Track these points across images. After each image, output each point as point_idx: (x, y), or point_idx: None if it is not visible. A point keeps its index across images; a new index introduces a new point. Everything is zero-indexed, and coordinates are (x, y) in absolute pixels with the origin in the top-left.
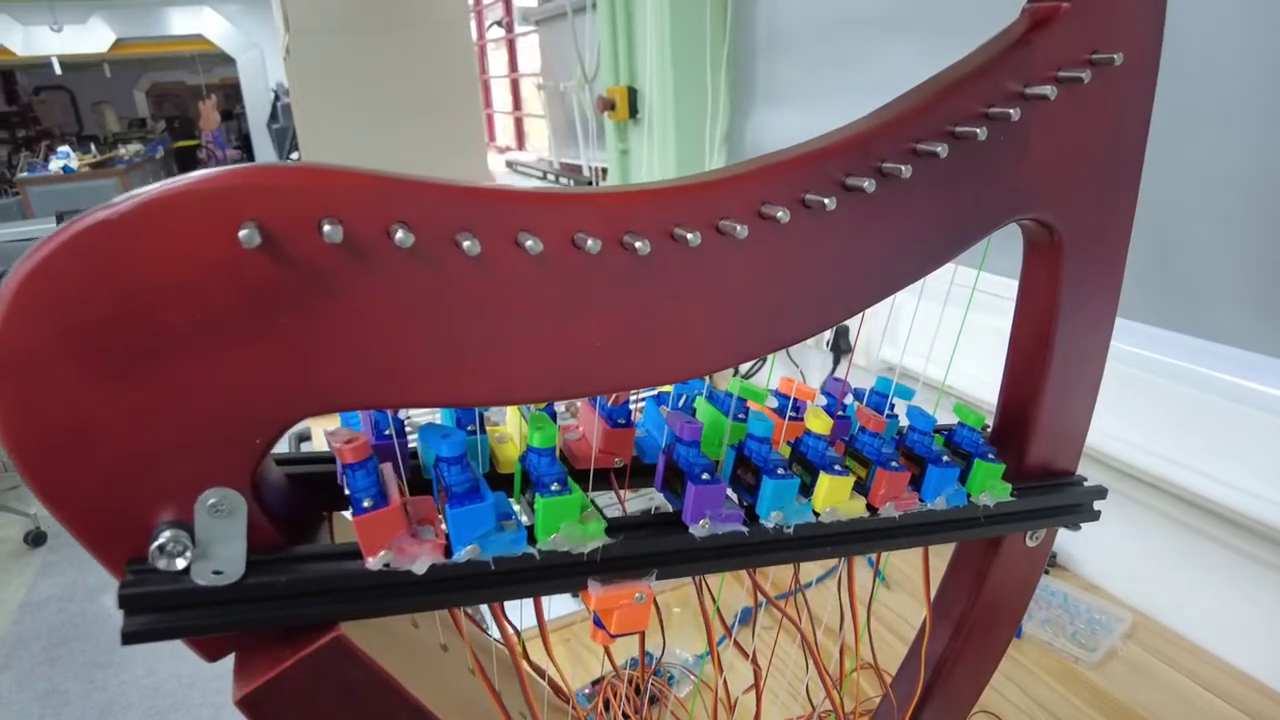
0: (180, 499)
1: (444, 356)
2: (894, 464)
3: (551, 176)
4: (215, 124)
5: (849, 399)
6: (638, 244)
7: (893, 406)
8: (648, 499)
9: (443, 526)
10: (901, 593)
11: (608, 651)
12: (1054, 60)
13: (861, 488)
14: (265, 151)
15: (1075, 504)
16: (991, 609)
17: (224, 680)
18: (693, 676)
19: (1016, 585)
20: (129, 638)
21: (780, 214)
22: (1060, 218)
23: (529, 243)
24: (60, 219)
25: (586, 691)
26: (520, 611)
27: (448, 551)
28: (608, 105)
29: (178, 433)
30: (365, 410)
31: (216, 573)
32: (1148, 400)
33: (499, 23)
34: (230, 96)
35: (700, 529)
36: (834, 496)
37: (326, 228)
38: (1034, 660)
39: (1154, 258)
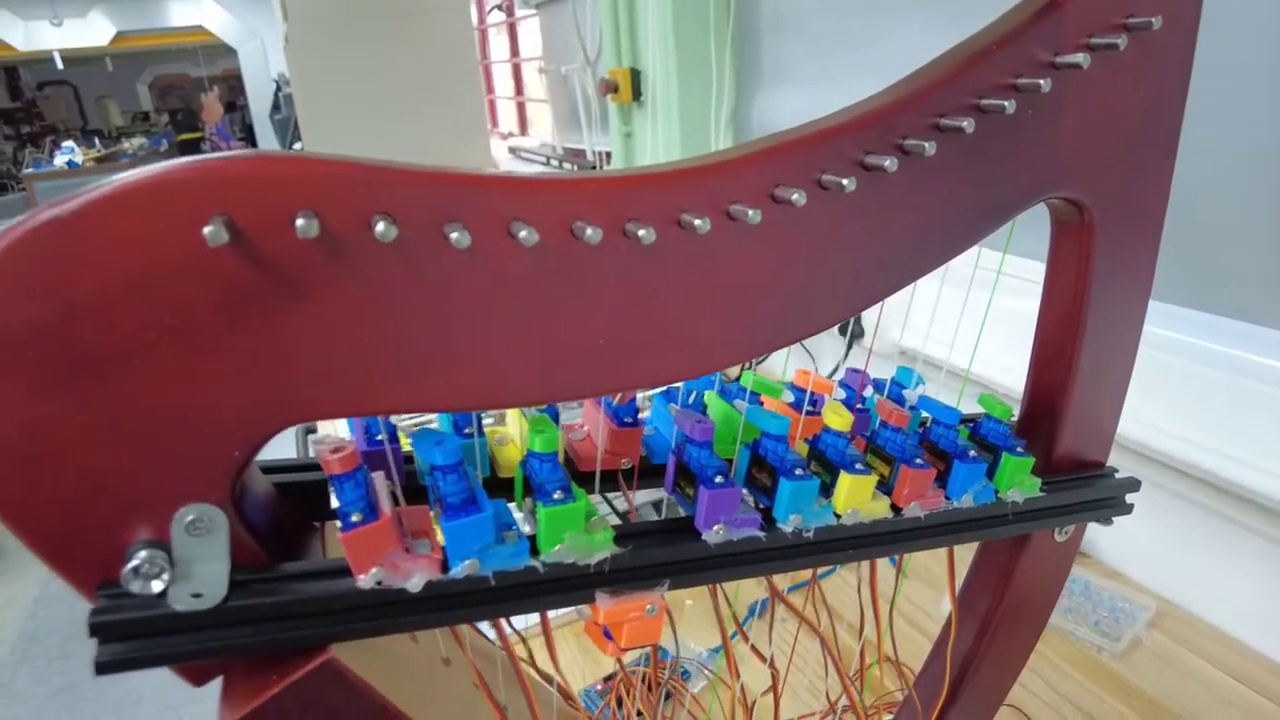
0: (154, 517)
1: (433, 358)
2: (918, 461)
3: (555, 162)
4: (219, 116)
5: (869, 391)
6: (641, 232)
7: (902, 399)
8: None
9: (439, 540)
10: (918, 582)
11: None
12: (1086, 26)
13: (884, 486)
14: (269, 142)
15: (1106, 497)
16: (1019, 606)
17: None
18: (707, 672)
19: (1045, 582)
20: (103, 668)
21: (795, 196)
22: (1092, 195)
23: (523, 233)
24: None
25: (599, 688)
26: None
27: (444, 567)
28: (610, 88)
29: (145, 447)
30: (350, 418)
31: (196, 595)
32: (1168, 381)
33: (499, 6)
34: (233, 88)
35: (714, 535)
36: (856, 497)
37: (300, 221)
38: (1055, 650)
39: (1173, 233)
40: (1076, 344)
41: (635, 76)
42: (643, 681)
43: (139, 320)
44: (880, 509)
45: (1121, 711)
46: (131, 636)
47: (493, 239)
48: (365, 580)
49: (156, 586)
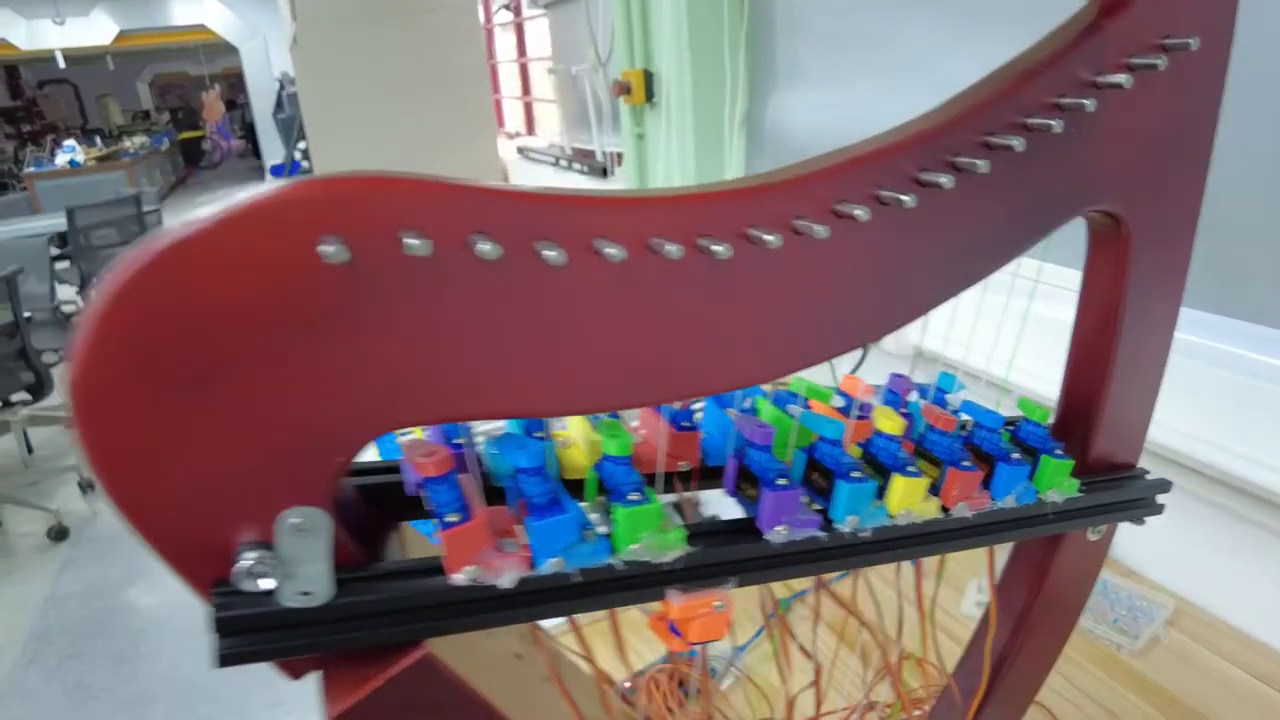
0: (262, 519)
1: (524, 366)
2: (965, 463)
3: (565, 162)
4: (220, 114)
5: (913, 396)
6: (717, 248)
7: (945, 404)
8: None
9: (523, 538)
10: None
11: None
12: (1127, 47)
13: (933, 488)
14: (270, 141)
15: (1139, 498)
16: (1052, 604)
17: (251, 673)
18: (735, 670)
19: (1077, 580)
20: (225, 660)
21: (859, 212)
22: (1129, 208)
23: (611, 250)
24: (71, 214)
25: (627, 684)
26: None
27: (531, 564)
28: (623, 89)
29: (259, 452)
30: (445, 423)
31: (304, 594)
32: (1186, 383)
33: (506, 6)
34: (234, 86)
35: (777, 535)
36: (908, 499)
37: (413, 240)
38: (1075, 648)
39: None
40: (1112, 349)
41: (648, 78)
42: (671, 678)
43: (257, 332)
44: (931, 510)
45: (1142, 708)
46: (249, 631)
47: (578, 254)
48: (460, 578)
49: (266, 584)
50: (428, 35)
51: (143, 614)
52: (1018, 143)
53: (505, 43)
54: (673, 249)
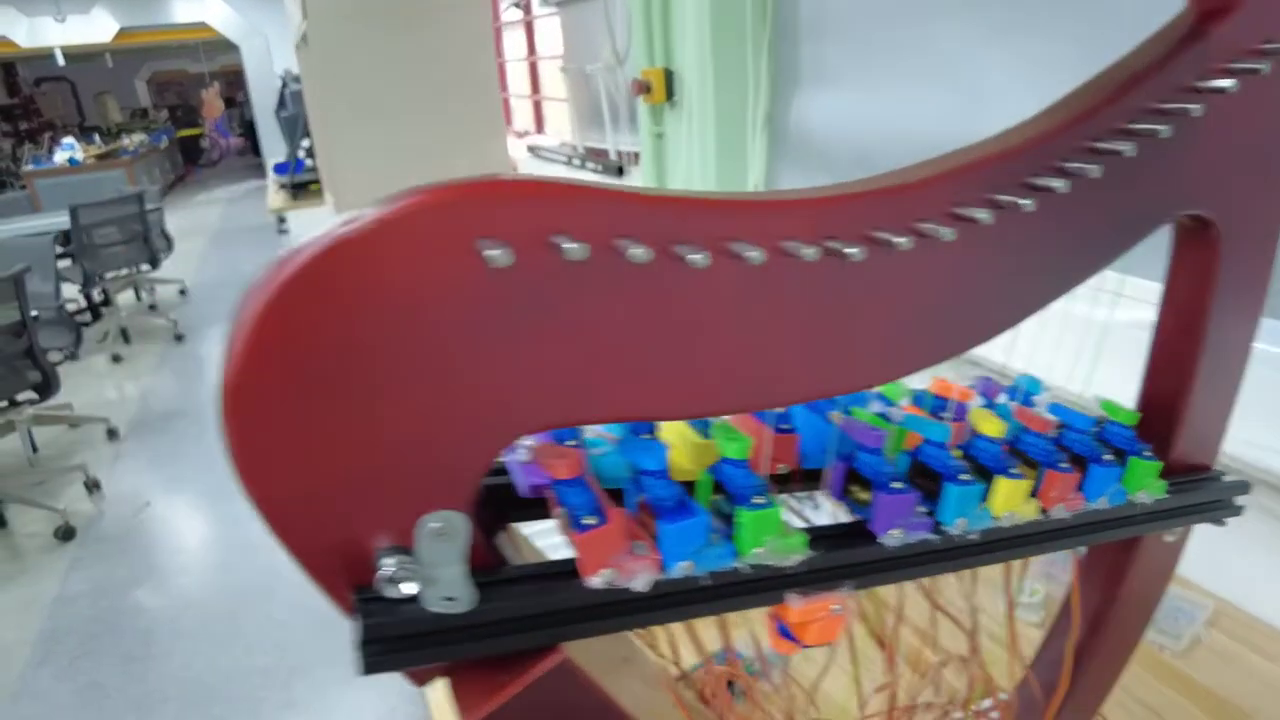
0: (404, 523)
1: (661, 369)
2: (1062, 465)
3: (577, 161)
4: (219, 112)
5: (1002, 398)
6: (851, 250)
7: (1032, 405)
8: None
9: (650, 541)
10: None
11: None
12: (1229, 52)
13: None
14: (271, 139)
15: (1218, 499)
16: (1129, 605)
17: (265, 675)
18: (780, 672)
19: (1153, 581)
20: (370, 668)
21: (981, 215)
22: (1221, 212)
23: (752, 253)
24: (74, 212)
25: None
26: None
27: (662, 567)
28: (643, 88)
29: (407, 455)
30: (583, 425)
31: (448, 599)
32: None
33: (516, 4)
34: (232, 84)
35: (892, 538)
36: (1011, 501)
37: (571, 245)
38: None
39: None
40: (1197, 353)
41: (669, 77)
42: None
43: (413, 335)
44: (1031, 511)
45: (1187, 708)
46: (395, 639)
47: (718, 258)
48: (596, 581)
49: (409, 589)
50: (438, 33)
51: (152, 614)
52: (1127, 148)
53: (514, 41)
54: (809, 251)
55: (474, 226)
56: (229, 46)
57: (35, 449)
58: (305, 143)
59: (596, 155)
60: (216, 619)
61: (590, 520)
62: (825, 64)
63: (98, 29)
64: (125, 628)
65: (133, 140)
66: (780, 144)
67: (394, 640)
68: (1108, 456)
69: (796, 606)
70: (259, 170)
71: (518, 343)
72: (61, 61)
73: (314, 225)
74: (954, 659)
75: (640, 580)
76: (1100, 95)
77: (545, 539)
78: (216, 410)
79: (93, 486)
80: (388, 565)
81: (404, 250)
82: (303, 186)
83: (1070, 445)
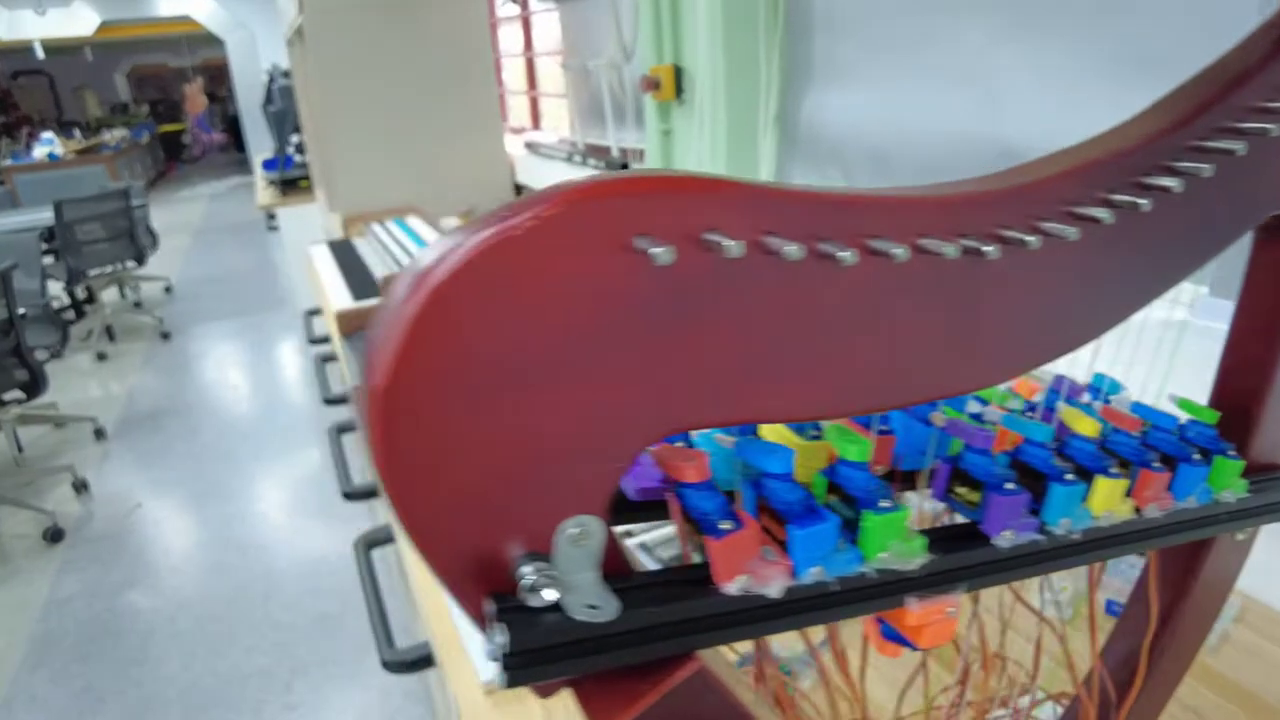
0: (544, 529)
1: (801, 368)
2: (1155, 464)
3: (578, 158)
4: (202, 106)
5: (1085, 397)
6: (987, 248)
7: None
8: None
9: (777, 546)
10: None
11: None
12: None
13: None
14: (258, 135)
15: None
16: (1199, 603)
17: (265, 677)
18: (810, 668)
19: (1223, 580)
20: (516, 680)
21: (1102, 214)
22: None
23: (896, 250)
24: (59, 208)
25: None
26: None
27: (793, 573)
28: (652, 85)
29: (554, 459)
30: (723, 427)
31: (591, 607)
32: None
33: None
34: (214, 78)
35: (1004, 539)
36: (1110, 500)
37: (729, 241)
38: None
39: None
40: (1276, 354)
41: (678, 73)
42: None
43: (568, 335)
44: (1126, 511)
45: (1224, 705)
46: (540, 649)
47: (864, 255)
48: (732, 587)
49: (549, 596)
50: (435, 28)
51: (148, 616)
52: (1239, 147)
53: (509, 36)
54: (950, 249)
55: (632, 223)
56: (211, 40)
57: (20, 449)
58: (295, 139)
59: (597, 152)
60: (214, 621)
61: (726, 525)
62: (839, 60)
63: (79, 22)
64: (120, 631)
65: (113, 135)
66: (791, 141)
67: (538, 651)
68: (1196, 456)
69: (916, 610)
70: (243, 166)
71: (667, 341)
72: (41, 55)
73: (304, 222)
74: (997, 659)
75: (774, 587)
76: (1207, 94)
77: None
78: (362, 411)
79: (81, 487)
80: (528, 572)
81: (563, 247)
82: (292, 183)
83: (1157, 444)
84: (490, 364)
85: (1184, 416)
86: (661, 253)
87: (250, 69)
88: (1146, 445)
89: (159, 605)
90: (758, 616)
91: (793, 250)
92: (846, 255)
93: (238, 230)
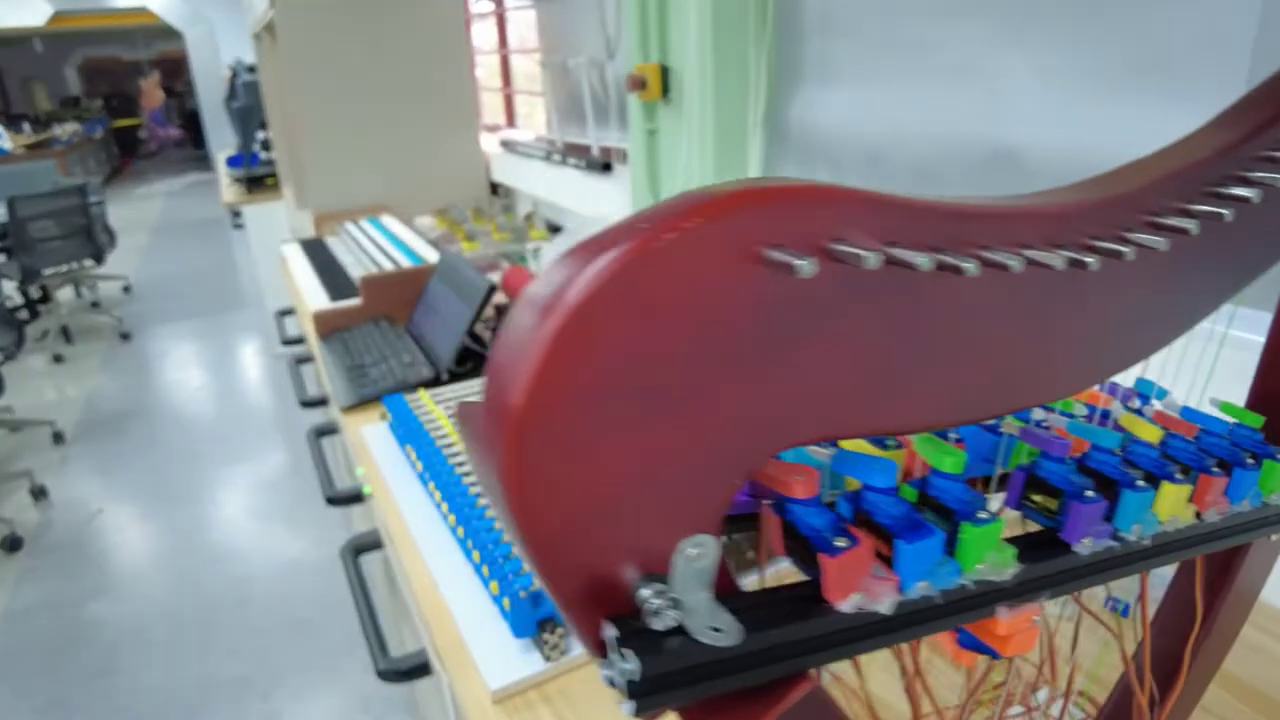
0: (664, 548)
1: (914, 380)
2: (1213, 469)
3: (557, 157)
4: (159, 101)
5: (1135, 403)
6: (1088, 259)
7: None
8: None
9: (881, 561)
10: None
11: None
12: None
13: None
14: (218, 131)
15: None
16: (1234, 604)
17: (241, 685)
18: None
19: (1257, 580)
20: (645, 708)
21: (1189, 225)
22: None
23: (1013, 262)
24: (12, 205)
25: None
26: None
27: (900, 588)
28: (638, 84)
29: (681, 476)
30: (837, 440)
31: (715, 629)
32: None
33: None
34: (170, 72)
35: (1084, 547)
36: (1175, 505)
37: (866, 253)
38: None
39: None
40: None
41: (665, 73)
42: None
43: (698, 349)
44: (1189, 516)
45: (1237, 707)
46: (666, 675)
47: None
48: (845, 605)
49: (672, 619)
50: (411, 24)
51: (114, 626)
52: None
53: (483, 33)
54: (1057, 260)
55: (767, 233)
56: (168, 33)
57: None
58: (261, 135)
59: (577, 151)
60: (185, 629)
61: (842, 543)
62: (832, 60)
63: (30, 12)
64: (87, 641)
65: (65, 130)
66: (781, 141)
67: (663, 677)
68: (1249, 460)
69: (1006, 619)
70: (201, 162)
71: (793, 354)
72: None
73: (271, 220)
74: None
75: (885, 603)
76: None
77: None
78: (485, 432)
79: (39, 493)
80: (649, 595)
81: (702, 259)
82: (258, 180)
83: (1211, 449)
84: (626, 380)
85: (1229, 421)
86: (805, 265)
87: (211, 63)
88: (1203, 450)
89: (125, 614)
90: (867, 633)
91: (923, 261)
92: (970, 266)
93: (198, 228)
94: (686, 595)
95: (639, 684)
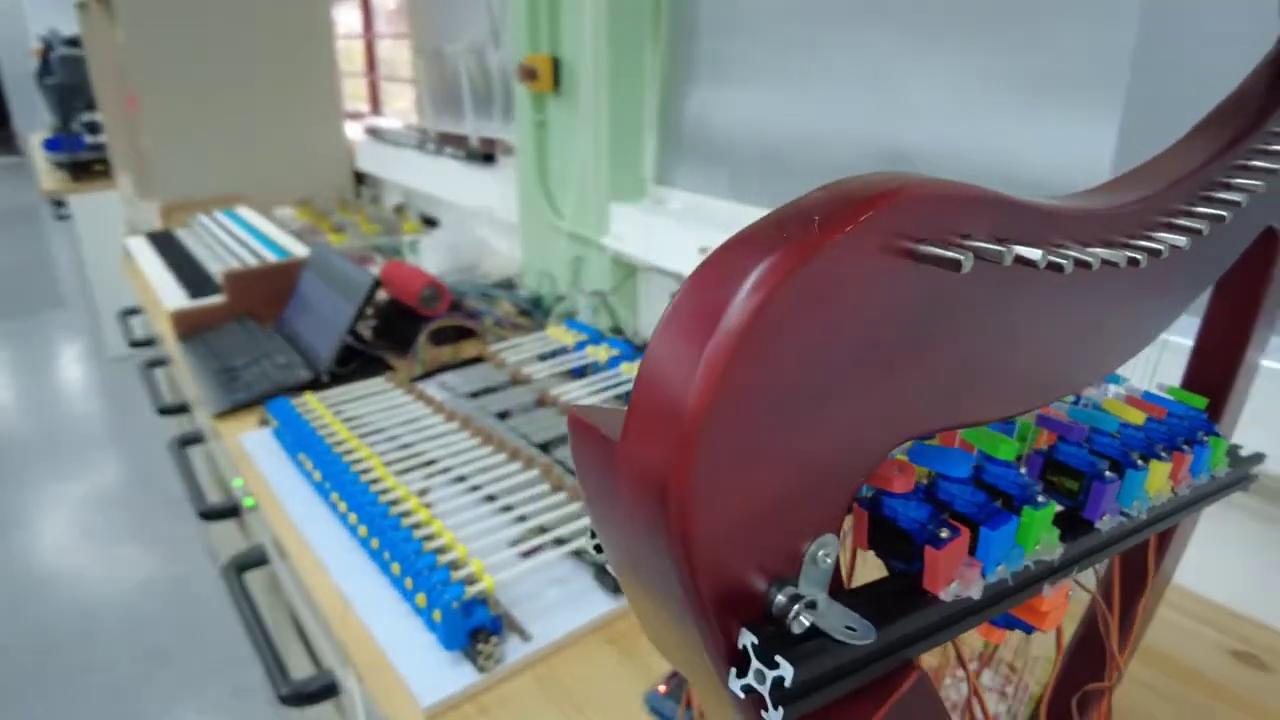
0: (796, 549)
1: (1006, 372)
2: (1184, 448)
3: (431, 146)
4: None
5: (1107, 389)
6: (1138, 256)
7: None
8: None
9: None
10: None
11: None
12: None
13: None
14: (27, 109)
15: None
16: (1167, 568)
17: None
18: None
19: (1184, 546)
20: (792, 714)
21: (1203, 227)
22: None
23: (1092, 259)
24: None
25: (662, 690)
26: None
27: (983, 573)
28: (529, 74)
29: (822, 476)
30: (943, 432)
31: (849, 629)
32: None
33: None
34: None
35: (1105, 524)
36: (1159, 482)
37: (1002, 249)
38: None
39: None
40: (1244, 343)
41: (556, 65)
42: None
43: (852, 347)
44: (1168, 490)
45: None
46: (812, 679)
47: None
48: (947, 594)
49: (808, 620)
50: (267, 6)
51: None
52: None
53: (346, 17)
54: (1119, 257)
55: (917, 229)
56: None
57: None
58: (87, 117)
59: (451, 141)
60: (21, 672)
61: (945, 534)
62: (730, 60)
63: None
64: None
65: None
66: (677, 139)
67: (807, 682)
68: (1205, 436)
69: (1049, 596)
70: (5, 145)
71: (921, 349)
72: None
73: (104, 210)
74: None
75: (975, 588)
76: (1247, 120)
77: None
78: (658, 437)
79: None
80: (786, 598)
81: (863, 255)
82: (84, 166)
83: (1178, 430)
84: (794, 380)
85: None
86: (966, 260)
87: (16, 34)
88: (1172, 431)
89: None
90: (958, 619)
91: (1039, 258)
92: (1067, 265)
93: (12, 217)
94: (812, 594)
95: (791, 691)
